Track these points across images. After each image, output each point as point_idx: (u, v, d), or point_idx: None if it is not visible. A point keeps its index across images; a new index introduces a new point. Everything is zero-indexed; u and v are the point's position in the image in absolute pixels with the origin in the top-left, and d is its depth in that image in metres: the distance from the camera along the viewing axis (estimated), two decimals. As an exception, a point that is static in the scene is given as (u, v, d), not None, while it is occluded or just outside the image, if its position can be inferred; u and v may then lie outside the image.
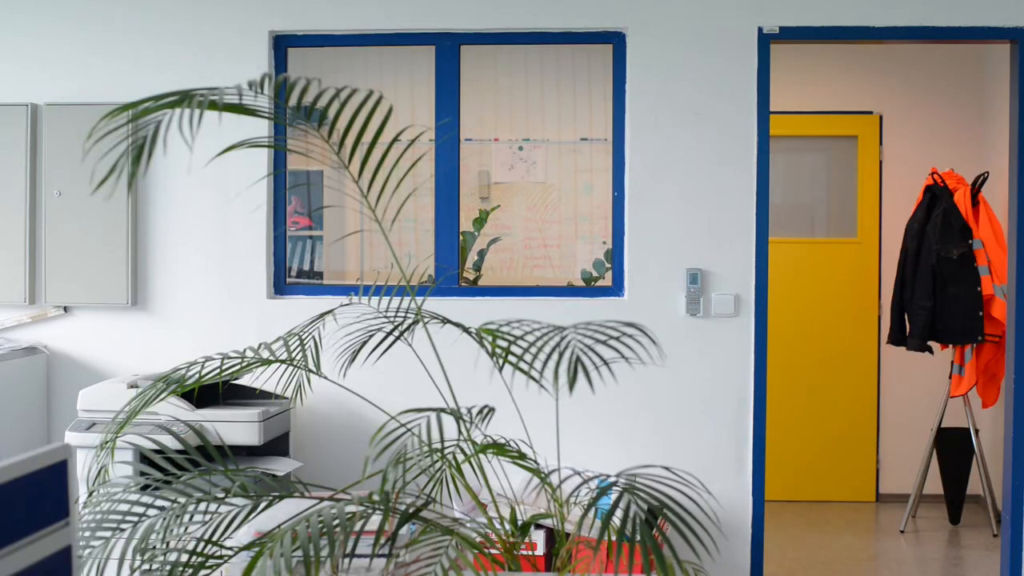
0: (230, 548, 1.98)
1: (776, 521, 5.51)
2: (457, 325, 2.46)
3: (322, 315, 2.58)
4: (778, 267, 5.29)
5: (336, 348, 2.51)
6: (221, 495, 2.01)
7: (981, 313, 5.18)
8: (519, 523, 2.19)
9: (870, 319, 6.14)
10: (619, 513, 1.74)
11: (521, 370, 2.00)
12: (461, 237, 4.40)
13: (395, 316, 2.49)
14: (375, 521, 1.87)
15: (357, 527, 1.77)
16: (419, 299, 2.40)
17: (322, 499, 1.99)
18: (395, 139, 2.31)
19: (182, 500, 2.01)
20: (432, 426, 1.99)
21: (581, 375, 1.85)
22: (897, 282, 5.55)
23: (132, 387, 3.68)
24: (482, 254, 4.47)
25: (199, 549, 1.94)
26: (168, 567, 1.88)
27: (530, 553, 3.35)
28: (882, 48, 6.01)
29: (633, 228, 4.22)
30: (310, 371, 2.49)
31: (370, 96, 2.07)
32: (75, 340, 4.36)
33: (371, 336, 2.47)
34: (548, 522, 2.38)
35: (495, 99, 4.47)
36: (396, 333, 2.44)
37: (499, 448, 2.20)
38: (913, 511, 5.60)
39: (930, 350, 5.41)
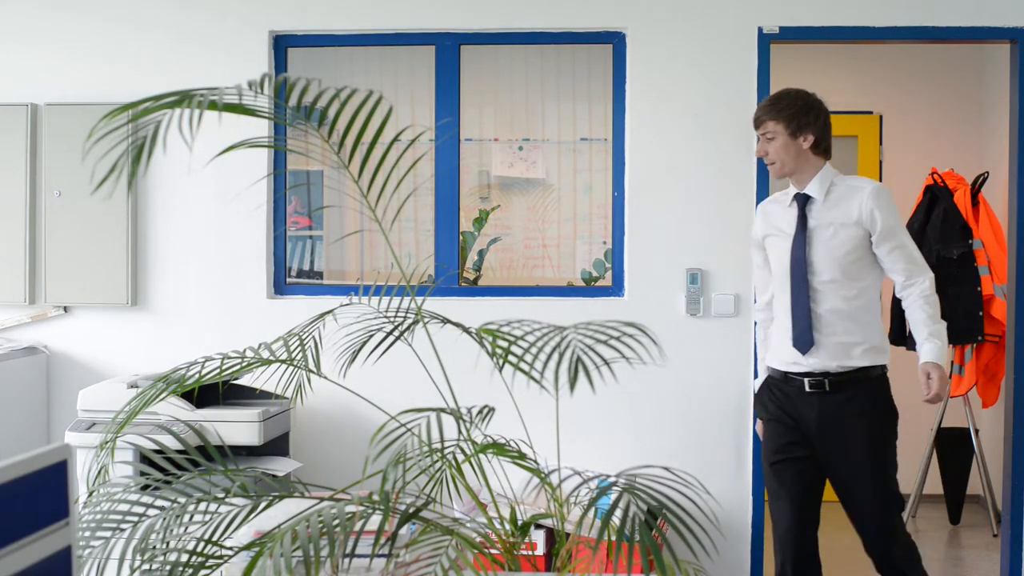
0: (230, 548, 1.98)
1: (776, 521, 5.50)
2: (457, 325, 2.46)
3: (322, 315, 2.57)
4: (778, 267, 5.28)
5: (336, 348, 2.51)
6: (221, 495, 2.01)
7: (981, 313, 5.17)
8: (519, 523, 2.19)
9: (870, 319, 6.13)
10: (619, 513, 1.74)
11: (522, 370, 2.00)
12: (461, 237, 4.40)
13: (395, 316, 2.49)
14: (375, 521, 1.87)
15: (357, 527, 1.77)
16: (419, 299, 2.40)
17: (322, 499, 1.99)
18: (395, 139, 2.32)
19: (182, 500, 2.01)
20: (432, 426, 1.99)
21: (581, 375, 1.85)
22: (897, 282, 5.54)
23: (132, 387, 3.68)
24: (482, 254, 4.47)
25: (199, 549, 1.94)
26: (168, 567, 1.88)
27: (530, 553, 3.35)
28: (882, 48, 6.01)
29: (633, 228, 4.22)
30: (310, 371, 2.49)
31: (370, 96, 2.07)
32: (75, 340, 4.36)
33: (371, 336, 2.47)
34: (548, 522, 2.38)
35: (495, 99, 4.47)
36: (396, 333, 2.44)
37: (499, 448, 2.20)
38: (913, 511, 5.60)
39: (930, 350, 5.40)
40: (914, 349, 5.36)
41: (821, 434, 3.35)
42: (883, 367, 3.45)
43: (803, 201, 3.40)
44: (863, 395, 3.35)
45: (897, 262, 3.36)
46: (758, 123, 3.44)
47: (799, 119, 3.35)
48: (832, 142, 3.46)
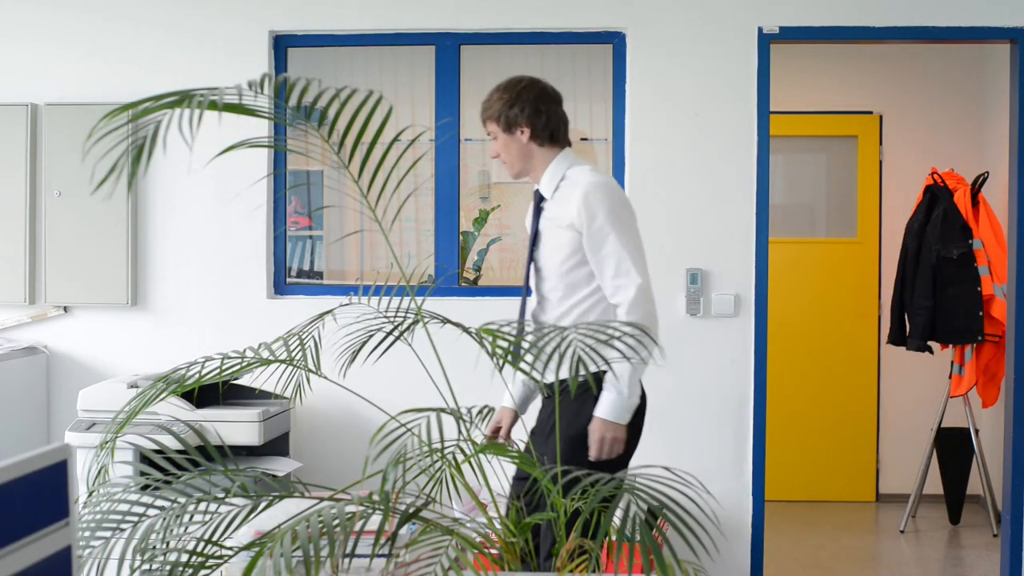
0: (230, 548, 1.98)
1: (776, 521, 5.50)
2: (457, 325, 2.46)
3: (322, 315, 2.57)
4: (778, 267, 5.28)
5: (336, 348, 2.51)
6: (221, 495, 2.01)
7: (981, 313, 5.18)
8: (519, 523, 2.19)
9: (870, 319, 6.13)
10: (619, 513, 1.74)
11: (522, 371, 2.00)
12: (461, 237, 4.40)
13: (395, 316, 2.49)
14: (375, 521, 1.87)
15: (357, 527, 1.77)
16: (419, 299, 2.40)
17: (322, 499, 1.99)
18: (395, 139, 2.31)
19: (182, 500, 2.01)
20: (432, 426, 1.99)
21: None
22: (897, 282, 5.55)
23: (132, 387, 3.68)
24: (482, 254, 4.47)
25: (199, 549, 1.94)
26: (168, 567, 1.88)
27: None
28: (882, 48, 6.01)
29: (633, 228, 4.21)
30: (310, 371, 2.49)
31: (370, 96, 2.07)
32: (75, 340, 4.36)
33: (371, 336, 2.47)
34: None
35: (495, 99, 4.46)
36: (396, 333, 2.44)
37: (499, 448, 2.20)
38: (913, 511, 5.60)
39: (930, 350, 5.41)
40: (913, 349, 5.41)
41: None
42: (585, 387, 2.80)
43: (538, 199, 3.02)
44: (560, 414, 2.78)
45: (603, 275, 2.88)
46: (484, 124, 3.07)
47: (506, 115, 2.97)
48: (564, 126, 3.02)
